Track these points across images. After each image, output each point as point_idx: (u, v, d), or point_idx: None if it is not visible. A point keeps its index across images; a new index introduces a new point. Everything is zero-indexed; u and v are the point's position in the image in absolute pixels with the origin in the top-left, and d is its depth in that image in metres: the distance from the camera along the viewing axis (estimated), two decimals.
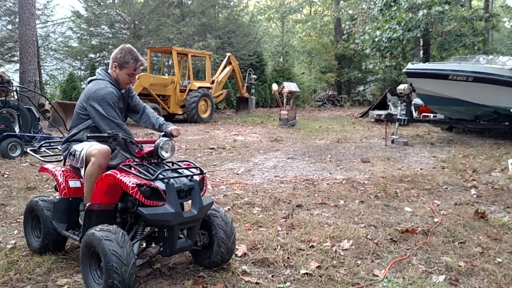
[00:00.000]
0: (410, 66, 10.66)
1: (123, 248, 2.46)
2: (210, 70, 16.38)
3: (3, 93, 8.33)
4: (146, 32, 19.84)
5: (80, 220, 3.11)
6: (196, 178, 2.87)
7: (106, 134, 2.87)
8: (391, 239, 3.73)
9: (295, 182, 5.98)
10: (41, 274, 2.93)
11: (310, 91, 27.90)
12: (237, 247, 3.29)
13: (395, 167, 7.21)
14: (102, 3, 19.56)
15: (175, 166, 2.97)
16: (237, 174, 6.52)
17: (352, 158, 8.09)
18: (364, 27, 21.31)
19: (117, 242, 2.46)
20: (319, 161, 7.72)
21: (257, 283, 2.86)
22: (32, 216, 3.33)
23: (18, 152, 7.51)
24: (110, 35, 20.11)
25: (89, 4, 19.54)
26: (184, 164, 3.03)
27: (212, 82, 16.26)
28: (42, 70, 18.50)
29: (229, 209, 4.56)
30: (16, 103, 8.10)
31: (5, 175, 6.07)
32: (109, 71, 3.17)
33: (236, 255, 3.24)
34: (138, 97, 3.45)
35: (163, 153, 2.87)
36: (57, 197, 3.16)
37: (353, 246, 3.51)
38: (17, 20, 15.11)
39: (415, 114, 13.01)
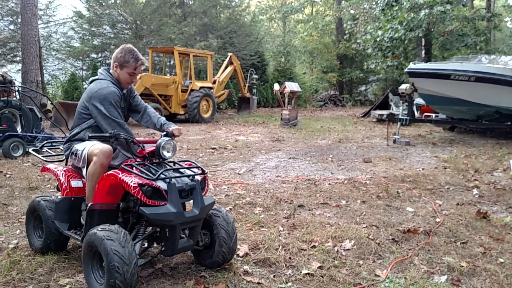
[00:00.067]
0: (412, 66, 10.64)
1: (125, 248, 2.46)
2: (211, 70, 16.39)
3: (5, 93, 8.33)
4: (148, 32, 19.87)
5: (82, 219, 3.11)
6: (198, 178, 2.87)
7: (108, 134, 2.87)
8: (393, 239, 3.73)
9: (297, 182, 5.97)
10: (43, 274, 2.93)
11: (311, 91, 27.87)
12: (238, 247, 3.28)
13: (397, 167, 7.19)
14: (104, 3, 19.58)
15: (177, 166, 2.97)
16: (239, 174, 6.52)
17: (354, 158, 8.08)
18: (366, 27, 21.26)
19: (119, 242, 2.47)
20: (321, 161, 7.71)
21: (258, 283, 2.86)
22: (34, 216, 3.34)
23: (20, 152, 7.52)
24: (112, 35, 20.13)
25: (91, 4, 19.57)
26: (186, 164, 3.03)
27: (214, 82, 16.26)
28: (44, 70, 18.50)
29: (230, 209, 4.55)
30: (18, 103, 8.11)
31: (7, 175, 6.09)
32: (111, 71, 3.18)
33: (237, 255, 3.24)
34: (139, 97, 3.45)
35: (165, 153, 2.88)
36: (59, 197, 3.17)
37: (355, 246, 3.51)
38: (19, 20, 15.15)
39: (417, 114, 13.00)
